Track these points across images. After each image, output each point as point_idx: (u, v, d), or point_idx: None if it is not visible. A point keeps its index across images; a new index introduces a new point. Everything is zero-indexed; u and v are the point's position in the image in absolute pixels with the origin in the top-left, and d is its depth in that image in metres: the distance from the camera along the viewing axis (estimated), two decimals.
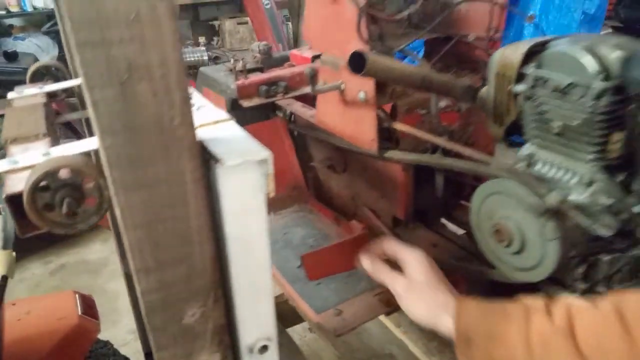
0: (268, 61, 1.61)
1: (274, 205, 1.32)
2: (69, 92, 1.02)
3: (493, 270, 0.80)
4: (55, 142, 0.72)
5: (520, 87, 0.73)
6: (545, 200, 0.64)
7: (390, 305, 0.95)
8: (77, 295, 1.37)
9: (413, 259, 0.81)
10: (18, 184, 0.55)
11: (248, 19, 4.33)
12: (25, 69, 3.24)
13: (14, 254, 0.78)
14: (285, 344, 1.12)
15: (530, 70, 0.71)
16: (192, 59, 3.74)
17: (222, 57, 4.45)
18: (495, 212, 0.74)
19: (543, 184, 0.70)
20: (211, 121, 0.69)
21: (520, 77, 0.73)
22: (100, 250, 2.87)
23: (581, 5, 3.55)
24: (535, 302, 0.66)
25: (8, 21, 4.33)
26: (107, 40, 0.45)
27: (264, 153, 0.59)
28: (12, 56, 3.24)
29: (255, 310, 0.68)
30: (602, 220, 0.65)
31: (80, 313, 1.30)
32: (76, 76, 1.01)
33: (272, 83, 1.32)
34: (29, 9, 4.22)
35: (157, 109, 0.50)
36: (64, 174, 0.54)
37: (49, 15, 4.31)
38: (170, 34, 0.48)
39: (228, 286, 0.65)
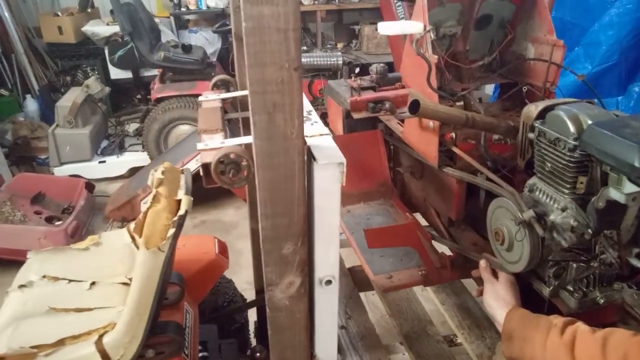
0: (383, 80, 1.96)
1: (364, 197, 1.70)
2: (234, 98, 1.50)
3: (495, 261, 1.11)
4: (225, 134, 1.19)
5: (531, 135, 1.02)
6: (522, 215, 0.94)
7: (428, 281, 1.29)
8: (215, 240, 1.88)
9: (506, 276, 1.11)
10: (207, 157, 1.01)
11: None
12: (197, 60, 3.97)
13: (191, 198, 1.26)
14: (354, 298, 1.51)
15: (538, 124, 1.00)
16: (329, 62, 4.21)
17: (355, 61, 4.88)
18: (498, 220, 1.05)
19: (537, 206, 1.00)
20: (317, 134, 1.09)
21: (533, 128, 1.03)
22: (233, 215, 3.50)
23: None
24: (557, 321, 0.93)
25: (186, 17, 5.23)
26: (265, 91, 0.88)
27: (342, 158, 0.98)
28: (187, 48, 3.99)
29: (326, 255, 1.08)
30: (565, 235, 0.93)
31: (216, 252, 1.81)
32: (242, 88, 1.48)
33: (378, 101, 1.70)
34: (204, 8, 5.06)
35: (285, 128, 0.91)
36: (232, 155, 0.98)
37: (217, 14, 5.12)
38: (297, 89, 0.89)
39: (311, 236, 1.06)
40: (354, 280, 1.58)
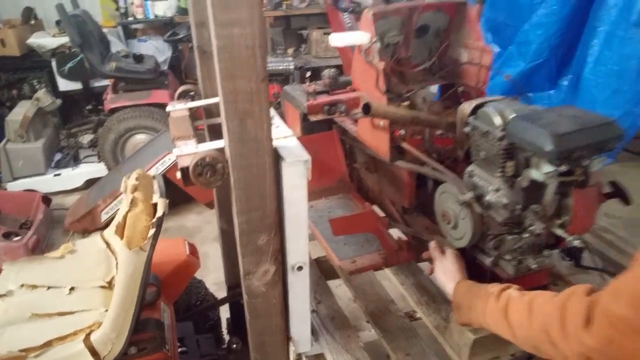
0: (335, 84, 2.10)
1: (325, 192, 1.84)
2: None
3: (444, 240, 1.27)
4: (197, 140, 1.29)
5: (467, 129, 1.19)
6: (463, 197, 1.10)
7: (387, 263, 1.45)
8: (185, 242, 1.97)
9: (450, 251, 1.28)
10: (185, 161, 1.12)
11: None
12: (149, 69, 3.99)
13: (167, 201, 1.35)
14: (321, 285, 1.64)
15: (471, 120, 1.17)
16: (280, 67, 4.33)
17: (305, 65, 5.02)
18: (444, 203, 1.21)
19: (476, 189, 1.17)
20: (282, 136, 1.22)
21: (467, 124, 1.19)
22: (195, 220, 3.56)
23: None
24: (494, 289, 1.09)
25: (134, 26, 5.21)
26: (237, 100, 0.99)
27: (307, 156, 1.11)
28: (138, 58, 4.01)
29: (296, 243, 1.20)
30: (500, 212, 1.10)
31: (187, 253, 1.90)
32: (205, 97, 1.58)
33: (333, 104, 1.84)
34: (151, 17, 5.07)
35: (255, 132, 1.03)
36: (208, 158, 1.09)
37: (166, 23, 5.13)
38: (265, 98, 1.01)
39: (282, 227, 1.18)
40: (320, 270, 1.71)
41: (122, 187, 1.52)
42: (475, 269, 1.25)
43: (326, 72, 2.14)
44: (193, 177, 1.09)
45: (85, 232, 3.38)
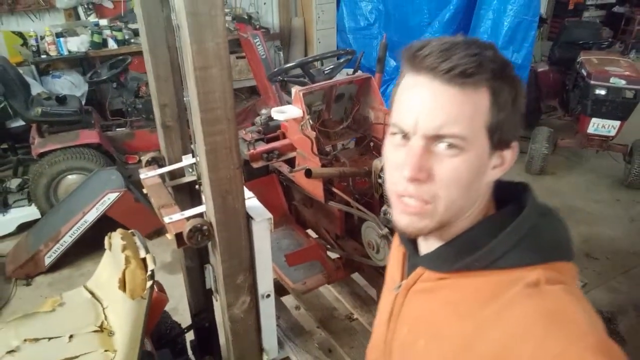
0: (268, 128, 2.49)
1: None
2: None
3: (370, 260, 1.74)
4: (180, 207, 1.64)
5: (379, 180, 1.67)
6: (382, 232, 1.57)
7: (330, 280, 1.89)
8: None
9: None
10: (178, 228, 1.47)
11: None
12: (75, 111, 4.11)
13: (154, 256, 1.69)
14: (278, 302, 2.05)
15: (382, 174, 1.64)
16: None
17: None
18: (368, 235, 1.68)
19: (389, 223, 1.64)
20: (246, 197, 1.61)
21: (379, 176, 1.67)
22: None
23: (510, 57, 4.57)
24: None
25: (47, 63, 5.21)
26: (220, 184, 1.37)
27: (269, 214, 1.51)
28: (62, 100, 4.11)
29: (264, 278, 1.60)
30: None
31: (156, 290, 2.21)
32: (169, 163, 1.92)
33: (270, 151, 2.25)
34: (65, 53, 5.10)
35: (234, 205, 1.42)
36: (197, 225, 1.46)
37: (81, 58, 5.19)
38: (240, 182, 1.40)
39: (254, 267, 1.57)
40: (275, 289, 2.12)
41: (105, 244, 1.82)
42: None
43: (258, 120, 2.53)
44: (187, 241, 1.45)
45: (29, 278, 3.48)
